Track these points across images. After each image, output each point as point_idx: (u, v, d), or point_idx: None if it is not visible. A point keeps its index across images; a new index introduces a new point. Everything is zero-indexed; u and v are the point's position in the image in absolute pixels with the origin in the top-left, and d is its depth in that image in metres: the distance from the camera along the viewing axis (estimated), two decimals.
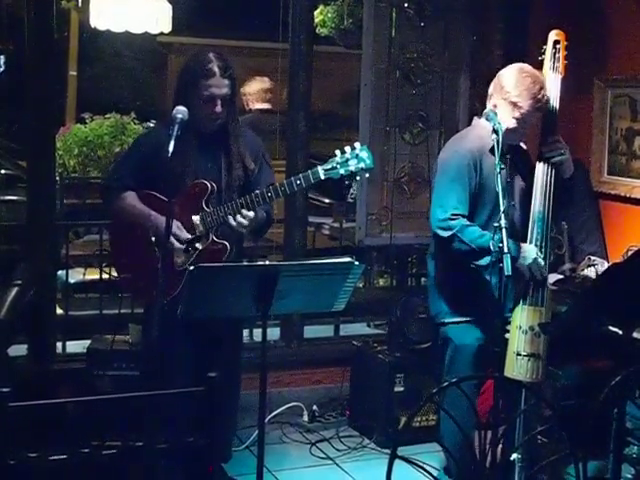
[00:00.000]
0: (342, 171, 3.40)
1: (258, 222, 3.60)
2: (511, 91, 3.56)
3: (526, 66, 3.65)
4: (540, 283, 3.57)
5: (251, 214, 3.48)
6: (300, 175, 3.43)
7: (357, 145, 3.41)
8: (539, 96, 3.56)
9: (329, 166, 3.40)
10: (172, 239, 3.44)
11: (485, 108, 3.69)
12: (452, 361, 3.73)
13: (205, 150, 3.63)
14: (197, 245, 3.56)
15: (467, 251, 3.51)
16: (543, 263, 3.56)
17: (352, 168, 3.39)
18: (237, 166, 3.65)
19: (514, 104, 3.56)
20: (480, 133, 3.67)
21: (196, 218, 3.56)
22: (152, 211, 3.59)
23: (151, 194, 3.62)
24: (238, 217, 3.49)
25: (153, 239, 3.60)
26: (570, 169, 3.70)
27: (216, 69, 3.53)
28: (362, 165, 3.39)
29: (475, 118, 3.85)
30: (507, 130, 3.52)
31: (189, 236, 3.55)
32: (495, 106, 3.61)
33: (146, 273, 3.56)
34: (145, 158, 3.63)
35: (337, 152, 3.40)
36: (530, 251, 3.53)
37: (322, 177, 3.40)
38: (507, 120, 3.55)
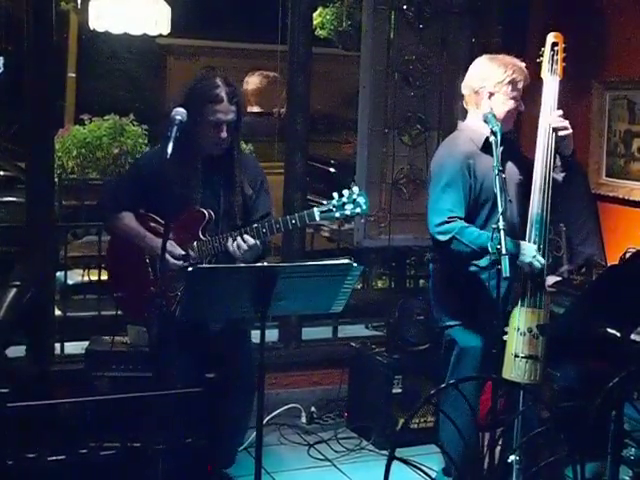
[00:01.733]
0: (337, 214, 3.44)
1: (256, 252, 3.57)
2: (503, 74, 3.65)
3: (487, 55, 3.78)
4: (538, 284, 3.58)
5: (252, 240, 3.47)
6: (296, 215, 3.47)
7: (355, 189, 3.43)
8: (524, 67, 3.69)
9: (325, 208, 3.44)
10: (167, 256, 3.43)
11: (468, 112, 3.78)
12: (457, 364, 3.73)
13: (205, 175, 3.62)
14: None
15: (467, 252, 3.51)
16: (543, 261, 3.57)
17: (348, 212, 3.42)
18: (237, 193, 3.65)
19: (511, 82, 3.65)
20: (470, 135, 3.70)
21: (192, 246, 3.56)
22: (148, 232, 3.60)
23: (148, 215, 3.64)
24: (238, 239, 3.47)
25: (147, 260, 3.60)
26: (570, 146, 3.72)
27: (224, 95, 3.52)
28: (358, 210, 3.42)
29: (459, 122, 3.88)
30: (506, 114, 3.64)
31: (182, 252, 3.54)
32: (491, 95, 3.64)
33: (139, 295, 3.57)
34: (143, 179, 3.62)
35: (335, 195, 3.43)
36: (529, 248, 3.54)
37: (317, 220, 3.46)
38: (505, 104, 3.65)
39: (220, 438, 3.64)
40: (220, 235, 3.54)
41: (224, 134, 3.54)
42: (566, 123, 3.67)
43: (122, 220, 3.67)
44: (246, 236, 3.48)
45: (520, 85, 3.66)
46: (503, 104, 3.64)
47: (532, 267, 3.53)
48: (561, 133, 3.65)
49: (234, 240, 3.49)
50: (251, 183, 3.71)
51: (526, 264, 3.52)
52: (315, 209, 3.45)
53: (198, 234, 3.56)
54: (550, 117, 3.66)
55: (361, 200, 3.42)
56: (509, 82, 3.64)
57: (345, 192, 3.42)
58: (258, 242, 3.49)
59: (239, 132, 3.67)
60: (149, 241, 3.58)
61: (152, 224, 3.62)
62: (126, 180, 3.86)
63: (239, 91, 3.64)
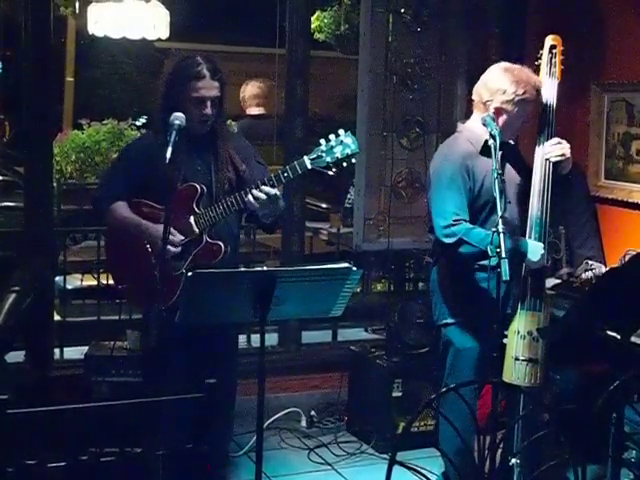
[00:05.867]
0: (328, 159, 3.38)
1: (278, 205, 3.52)
2: (512, 93, 3.56)
3: (506, 63, 3.68)
4: (538, 286, 3.57)
5: (272, 190, 3.40)
6: (287, 167, 3.42)
7: (341, 132, 3.40)
8: (539, 83, 3.61)
9: (314, 155, 3.39)
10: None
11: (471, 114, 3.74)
12: (453, 365, 3.72)
13: (194, 152, 3.61)
14: (192, 248, 3.54)
15: (475, 253, 3.48)
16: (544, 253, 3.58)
17: (338, 155, 3.38)
18: (227, 168, 3.64)
19: (521, 102, 3.57)
20: (469, 137, 3.67)
21: (189, 221, 3.55)
22: (143, 220, 3.58)
23: (142, 202, 3.61)
24: (255, 191, 3.41)
25: (147, 246, 3.58)
26: (568, 165, 3.69)
27: (206, 71, 3.53)
28: (348, 151, 3.38)
29: (459, 124, 3.85)
30: (509, 129, 3.58)
31: (182, 238, 3.53)
32: (497, 110, 3.59)
33: (143, 282, 3.54)
34: (134, 166, 3.62)
35: (322, 141, 3.39)
36: (537, 247, 3.54)
37: (309, 167, 3.39)
38: (509, 122, 3.58)
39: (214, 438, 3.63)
40: (214, 206, 3.51)
41: (208, 110, 3.54)
42: (563, 150, 3.62)
43: (116, 211, 3.63)
44: (264, 187, 3.40)
45: (528, 104, 3.57)
46: (508, 121, 3.58)
47: (537, 266, 3.52)
48: (558, 159, 3.62)
49: (228, 211, 3.45)
50: (243, 160, 3.69)
51: (532, 264, 3.52)
52: (305, 157, 3.39)
53: (193, 208, 3.54)
54: (545, 149, 3.62)
55: (349, 140, 3.38)
56: (518, 102, 3.56)
57: (332, 136, 3.39)
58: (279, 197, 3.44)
59: (223, 109, 3.66)
60: (147, 230, 3.54)
61: (146, 209, 3.59)
62: (116, 168, 3.82)
63: (221, 68, 3.62)
